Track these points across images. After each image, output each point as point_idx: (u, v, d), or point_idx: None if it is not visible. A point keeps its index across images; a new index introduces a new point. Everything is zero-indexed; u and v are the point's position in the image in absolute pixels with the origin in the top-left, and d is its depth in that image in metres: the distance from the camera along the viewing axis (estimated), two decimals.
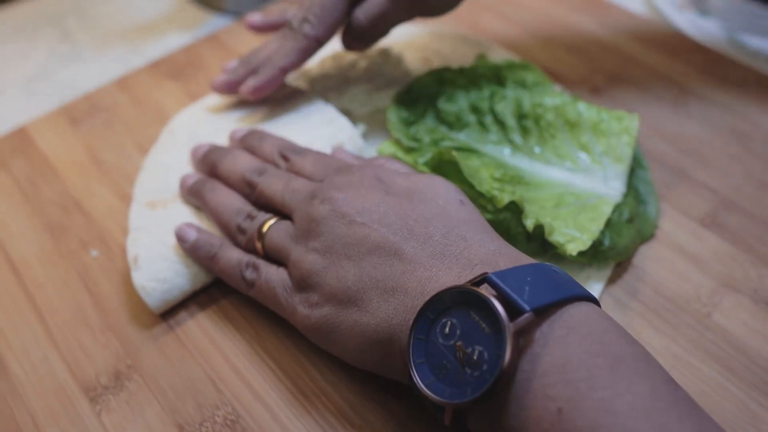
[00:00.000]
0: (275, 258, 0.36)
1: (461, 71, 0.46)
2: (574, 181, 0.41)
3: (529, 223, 0.37)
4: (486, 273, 0.28)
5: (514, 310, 0.26)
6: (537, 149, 0.42)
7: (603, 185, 0.41)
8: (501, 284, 0.27)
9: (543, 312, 0.27)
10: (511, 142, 0.43)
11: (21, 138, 0.50)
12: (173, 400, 0.35)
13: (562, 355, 0.25)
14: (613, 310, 0.38)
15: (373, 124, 0.48)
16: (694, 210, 0.43)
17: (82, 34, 0.64)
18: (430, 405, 0.28)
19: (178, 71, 0.55)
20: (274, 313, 0.37)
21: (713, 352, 0.36)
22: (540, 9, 0.59)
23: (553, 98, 0.43)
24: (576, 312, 0.27)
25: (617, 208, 0.40)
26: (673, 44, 0.55)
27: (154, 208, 0.42)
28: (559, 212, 0.38)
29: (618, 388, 0.24)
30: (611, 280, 0.39)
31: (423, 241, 0.31)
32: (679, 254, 0.40)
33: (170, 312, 0.39)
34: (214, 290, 0.39)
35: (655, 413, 0.24)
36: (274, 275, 0.35)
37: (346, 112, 0.48)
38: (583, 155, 0.42)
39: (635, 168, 0.44)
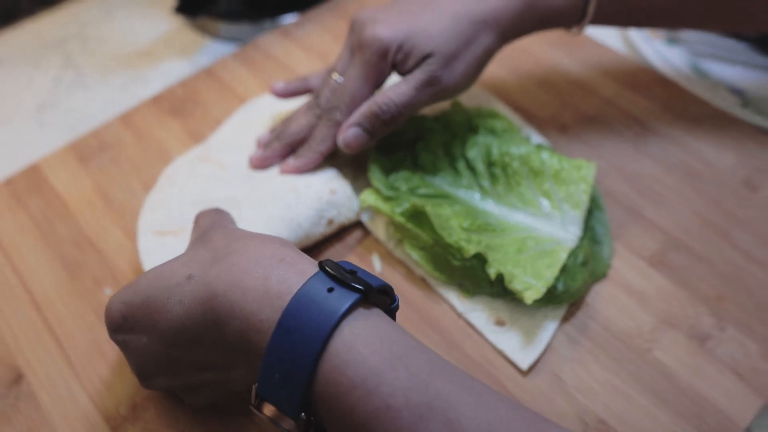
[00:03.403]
0: None
1: (437, 119, 0.50)
2: (536, 225, 0.46)
3: (492, 272, 0.42)
4: (255, 389, 0.29)
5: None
6: (504, 195, 0.47)
7: (562, 230, 0.46)
8: (268, 398, 0.29)
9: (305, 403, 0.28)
10: (481, 187, 0.48)
11: (34, 175, 0.55)
12: (183, 429, 0.41)
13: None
14: (566, 346, 0.43)
15: (356, 164, 0.52)
16: (644, 249, 0.48)
17: (84, 60, 0.68)
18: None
19: (177, 107, 0.59)
20: None
21: (649, 384, 0.41)
22: (517, 42, 0.63)
23: (519, 147, 0.48)
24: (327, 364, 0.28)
25: (573, 252, 0.45)
26: (640, 79, 0.59)
27: (163, 236, 0.46)
28: (520, 258, 0.43)
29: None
30: (565, 318, 0.44)
31: None
32: (627, 293, 0.45)
33: None
34: None
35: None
36: None
37: (333, 152, 0.52)
38: (544, 201, 0.47)
39: (593, 209, 0.49)
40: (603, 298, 0.45)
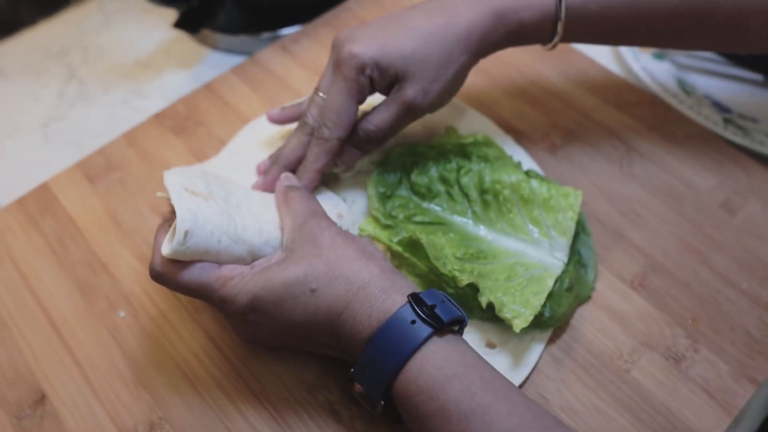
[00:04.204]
0: None
1: (432, 146, 0.53)
2: (525, 251, 0.49)
3: (483, 300, 0.45)
4: (352, 372, 0.40)
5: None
6: (495, 221, 0.50)
7: (549, 256, 0.48)
8: (359, 382, 0.40)
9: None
10: (474, 213, 0.50)
11: (45, 194, 0.57)
12: None
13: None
14: (551, 367, 0.46)
15: (356, 185, 0.54)
16: (626, 272, 0.51)
17: (86, 72, 0.69)
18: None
19: (180, 125, 0.61)
20: (282, 381, 0.45)
21: (627, 404, 0.45)
22: (508, 58, 0.65)
23: (510, 175, 0.50)
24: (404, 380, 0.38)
25: (559, 278, 0.48)
26: (627, 98, 0.61)
27: (194, 195, 0.42)
28: (510, 286, 0.46)
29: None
30: (551, 340, 0.48)
31: None
32: (609, 315, 0.49)
33: (191, 369, 0.47)
34: (230, 353, 0.48)
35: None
36: None
37: (332, 176, 0.55)
38: (534, 228, 0.49)
39: (580, 233, 0.52)
40: (586, 320, 0.49)
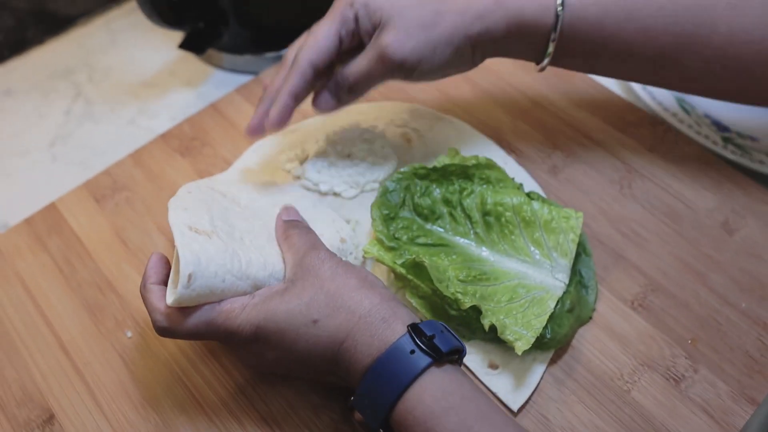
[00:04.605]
0: None
1: (435, 168, 0.53)
2: (527, 272, 0.50)
3: (486, 323, 0.46)
4: (352, 401, 0.40)
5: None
6: (498, 242, 0.51)
7: (550, 277, 0.49)
8: (359, 410, 0.40)
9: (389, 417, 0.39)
10: (476, 234, 0.51)
11: (53, 215, 0.57)
12: None
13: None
14: (552, 388, 0.47)
15: (360, 207, 0.55)
16: (626, 292, 0.52)
17: (92, 90, 0.70)
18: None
19: (186, 146, 0.62)
20: (289, 402, 0.46)
21: (627, 424, 0.45)
22: (510, 78, 0.66)
23: (512, 198, 0.51)
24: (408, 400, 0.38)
25: (560, 299, 0.48)
26: (628, 119, 0.62)
27: (198, 233, 0.42)
28: (512, 307, 0.47)
29: None
30: (552, 361, 0.48)
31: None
32: (610, 335, 0.49)
33: (198, 390, 0.48)
34: (236, 374, 0.48)
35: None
36: None
37: (335, 195, 0.55)
38: (535, 250, 0.50)
39: (581, 253, 0.52)
40: (587, 341, 0.49)
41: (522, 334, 0.45)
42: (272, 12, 0.69)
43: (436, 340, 0.39)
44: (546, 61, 0.51)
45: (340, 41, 0.49)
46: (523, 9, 0.48)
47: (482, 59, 0.52)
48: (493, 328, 0.46)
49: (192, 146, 0.62)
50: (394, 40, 0.47)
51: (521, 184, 0.54)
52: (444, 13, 0.48)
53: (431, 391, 0.38)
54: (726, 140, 0.62)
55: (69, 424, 0.47)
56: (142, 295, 0.43)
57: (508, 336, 0.45)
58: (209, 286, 0.41)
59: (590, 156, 0.60)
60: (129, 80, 0.71)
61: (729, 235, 0.54)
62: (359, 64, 0.49)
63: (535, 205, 0.51)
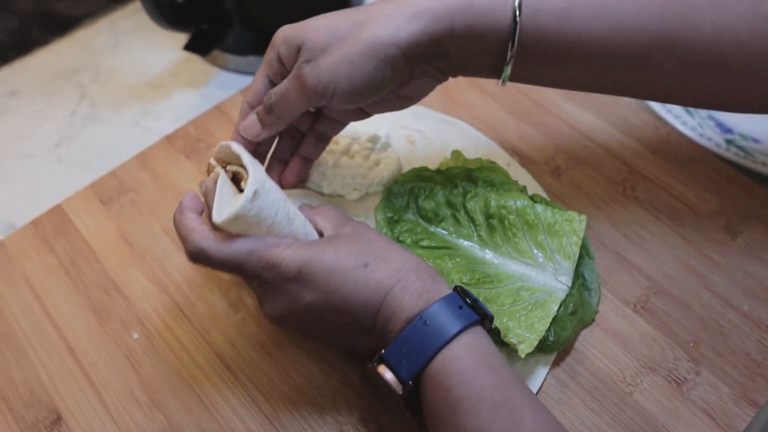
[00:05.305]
0: None
1: (438, 171, 0.54)
2: (530, 274, 0.50)
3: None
4: (382, 353, 0.40)
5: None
6: (501, 245, 0.51)
7: (554, 279, 0.49)
8: (389, 362, 0.40)
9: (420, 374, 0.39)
10: (480, 237, 0.51)
11: (59, 216, 0.58)
12: None
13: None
14: (555, 390, 0.47)
15: (364, 209, 0.55)
16: (629, 295, 0.52)
17: (97, 92, 0.70)
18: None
19: (191, 147, 0.62)
20: (293, 403, 0.47)
21: (630, 426, 0.46)
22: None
23: (516, 201, 0.51)
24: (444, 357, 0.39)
25: (563, 302, 0.49)
26: (631, 121, 0.62)
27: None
28: (515, 310, 0.47)
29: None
30: (555, 363, 0.49)
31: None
32: (612, 338, 0.50)
33: (204, 391, 0.48)
34: (242, 376, 0.49)
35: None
36: None
37: (339, 197, 0.56)
38: (538, 252, 0.50)
39: (584, 256, 0.53)
40: (590, 343, 0.50)
41: (525, 337, 0.46)
42: (276, 13, 0.69)
43: (480, 303, 0.42)
44: (508, 69, 0.44)
45: (272, 83, 0.47)
46: (473, 2, 0.42)
47: (433, 75, 0.46)
48: (496, 330, 0.46)
49: (197, 148, 0.62)
50: (308, 58, 0.43)
51: (525, 187, 0.54)
52: (365, 23, 0.42)
53: (475, 345, 0.39)
54: (729, 142, 0.62)
55: (76, 425, 0.47)
56: (176, 221, 0.43)
57: (512, 339, 0.46)
58: (263, 213, 0.40)
59: (593, 158, 0.60)
60: (133, 81, 0.71)
61: (731, 238, 0.55)
62: (280, 86, 0.45)
63: (539, 208, 0.51)
